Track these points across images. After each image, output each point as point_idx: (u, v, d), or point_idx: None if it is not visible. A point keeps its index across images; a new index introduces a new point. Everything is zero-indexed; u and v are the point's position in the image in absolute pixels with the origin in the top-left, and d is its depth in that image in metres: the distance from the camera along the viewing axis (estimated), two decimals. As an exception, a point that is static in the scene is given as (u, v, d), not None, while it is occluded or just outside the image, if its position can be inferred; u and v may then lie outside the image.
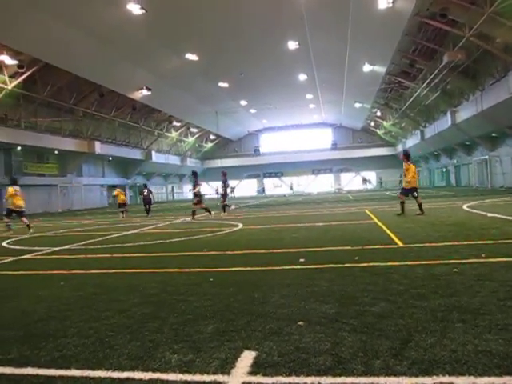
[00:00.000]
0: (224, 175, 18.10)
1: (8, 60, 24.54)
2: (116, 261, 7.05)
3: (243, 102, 43.79)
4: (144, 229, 12.99)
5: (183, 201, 49.18)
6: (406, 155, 12.74)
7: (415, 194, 12.28)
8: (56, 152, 35.32)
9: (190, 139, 57.27)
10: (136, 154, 46.01)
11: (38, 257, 8.02)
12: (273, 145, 65.78)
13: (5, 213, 14.40)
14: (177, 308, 4.01)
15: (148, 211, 20.13)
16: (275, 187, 65.19)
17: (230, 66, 30.83)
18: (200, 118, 46.93)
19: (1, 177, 30.32)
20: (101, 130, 39.55)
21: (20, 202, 13.83)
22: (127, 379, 2.54)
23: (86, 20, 21.10)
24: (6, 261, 7.67)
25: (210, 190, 57.51)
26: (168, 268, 6.07)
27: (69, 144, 35.11)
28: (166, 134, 50.81)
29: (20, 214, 13.81)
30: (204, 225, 13.26)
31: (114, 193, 22.22)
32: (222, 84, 35.84)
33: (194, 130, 54.69)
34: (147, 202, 20.44)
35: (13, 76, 26.51)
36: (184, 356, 2.83)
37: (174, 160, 55.27)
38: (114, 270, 6.11)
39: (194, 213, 16.01)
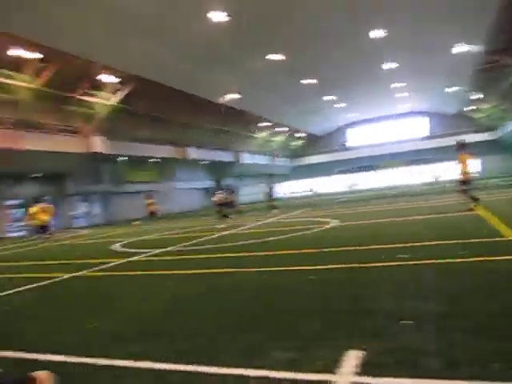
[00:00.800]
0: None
1: (110, 79, 26.65)
2: (217, 260, 7.31)
3: (330, 97, 43.23)
4: (238, 229, 13.33)
5: (275, 200, 49.67)
6: (460, 145, 11.78)
7: (464, 186, 11.36)
8: (155, 160, 37.66)
9: (278, 138, 57.75)
10: (227, 157, 47.43)
11: (144, 258, 8.59)
12: (362, 138, 64.00)
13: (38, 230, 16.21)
14: (280, 307, 4.06)
15: (225, 214, 18.97)
16: (366, 181, 63.32)
17: (316, 61, 30.60)
18: (287, 116, 47.19)
19: (108, 185, 33.04)
20: (193, 136, 41.34)
21: (45, 216, 15.33)
22: (237, 376, 2.62)
23: (175, 34, 22.24)
24: (117, 262, 8.33)
25: (299, 188, 57.53)
26: (267, 267, 6.16)
27: (165, 152, 37.24)
28: (255, 135, 51.76)
29: (44, 228, 15.01)
30: (296, 223, 13.28)
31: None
32: (308, 81, 35.68)
33: (281, 128, 55.08)
34: (224, 204, 19.53)
35: (115, 92, 28.72)
36: (291, 354, 2.86)
37: (263, 160, 56.10)
38: (215, 270, 6.35)
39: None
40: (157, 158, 37.26)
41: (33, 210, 16.39)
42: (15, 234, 25.21)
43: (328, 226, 11.08)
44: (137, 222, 24.83)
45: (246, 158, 50.17)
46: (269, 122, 49.76)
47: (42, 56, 21.74)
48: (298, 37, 25.46)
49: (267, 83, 33.89)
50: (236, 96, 35.04)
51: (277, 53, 27.78)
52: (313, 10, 21.67)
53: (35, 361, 3.25)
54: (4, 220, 23.70)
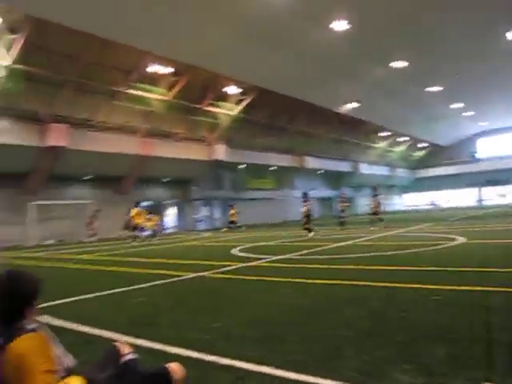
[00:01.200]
0: (305, 195, 17.96)
1: (233, 90, 28.03)
2: (333, 271, 7.20)
3: (458, 105, 40.25)
4: (356, 241, 13.00)
5: (393, 212, 47.64)
6: None
7: None
8: (273, 168, 38.58)
9: (399, 148, 55.33)
10: (344, 167, 46.75)
11: (263, 264, 8.79)
12: (493, 149, 58.32)
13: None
14: (401, 325, 3.85)
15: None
16: (499, 196, 57.47)
17: (443, 67, 28.76)
18: (409, 125, 44.99)
19: (229, 191, 34.68)
20: (311, 145, 41.51)
21: (140, 220, 18.54)
22: (358, 393, 2.53)
23: (298, 45, 22.60)
24: (238, 266, 8.65)
25: (420, 201, 54.54)
26: (386, 282, 5.90)
27: (283, 160, 37.97)
28: (374, 144, 50.27)
29: (141, 229, 18.60)
30: (417, 238, 12.54)
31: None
32: (433, 88, 33.69)
33: (402, 138, 52.71)
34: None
35: (237, 103, 30.12)
36: (415, 378, 2.68)
37: (382, 171, 54.20)
38: (332, 281, 6.25)
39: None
40: (275, 167, 38.10)
41: (133, 211, 19.43)
42: (144, 234, 27.55)
43: (453, 244, 10.29)
44: (242, 229, 25.64)
45: (365, 169, 48.91)
46: (389, 131, 47.96)
47: (173, 70, 23.62)
48: (424, 41, 24.17)
49: (388, 91, 32.72)
50: (355, 105, 34.45)
51: (400, 60, 26.71)
52: (441, 9, 20.36)
53: (164, 352, 3.48)
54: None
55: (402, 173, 59.00)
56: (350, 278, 6.34)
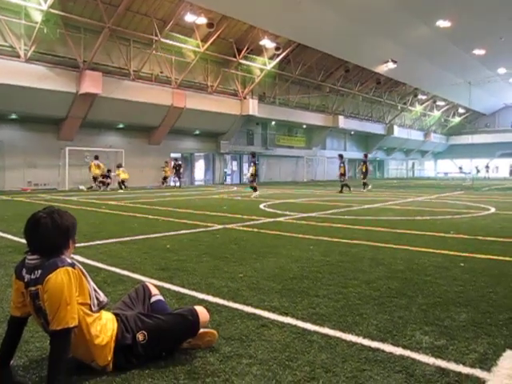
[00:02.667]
0: (341, 157, 20.24)
1: (268, 44, 27.34)
2: (359, 232, 7.22)
3: (502, 70, 38.24)
4: (385, 204, 12.90)
5: (424, 178, 46.80)
6: None
7: None
8: (304, 126, 38.07)
9: (436, 113, 53.48)
10: (378, 129, 45.69)
11: (290, 221, 8.87)
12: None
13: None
14: (424, 288, 3.87)
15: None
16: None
17: (488, 29, 27.15)
18: (448, 90, 43.12)
19: (259, 147, 34.64)
20: (345, 104, 40.58)
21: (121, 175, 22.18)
22: (377, 349, 2.59)
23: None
24: (264, 221, 8.77)
25: (454, 168, 53.12)
26: (412, 246, 5.89)
27: (315, 119, 37.34)
28: (410, 107, 48.69)
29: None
30: (447, 205, 12.34)
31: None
32: (476, 51, 32.00)
33: (440, 103, 50.78)
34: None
35: (271, 58, 29.45)
36: (436, 340, 2.72)
37: (416, 135, 52.77)
38: (357, 241, 6.27)
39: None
40: (306, 125, 37.58)
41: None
42: (172, 184, 28.04)
43: (484, 213, 10.09)
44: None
45: (399, 132, 47.64)
46: (426, 94, 46.23)
47: (209, 21, 23.11)
48: (469, 1, 22.77)
49: (429, 52, 31.23)
50: (392, 65, 33.07)
51: (443, 19, 25.31)
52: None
53: (190, 297, 3.62)
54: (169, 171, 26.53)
55: (436, 138, 57.33)
56: (376, 240, 6.35)
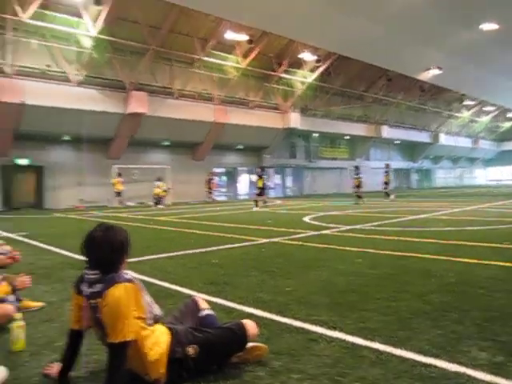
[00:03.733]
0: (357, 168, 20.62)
1: (308, 56, 27.43)
2: (407, 244, 7.04)
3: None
4: (432, 214, 12.53)
5: (474, 186, 45.01)
6: None
7: None
8: (347, 137, 37.72)
9: (484, 119, 51.55)
10: (423, 137, 44.55)
11: (335, 233, 8.78)
12: None
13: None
14: (479, 302, 3.73)
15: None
16: None
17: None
18: (497, 94, 41.44)
19: (301, 160, 34.60)
20: (388, 114, 39.90)
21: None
22: (430, 365, 2.52)
23: (374, 9, 21.42)
24: (309, 234, 8.73)
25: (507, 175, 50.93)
26: (464, 257, 5.68)
27: (358, 129, 36.92)
28: (456, 114, 47.23)
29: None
30: (499, 215, 11.82)
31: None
32: (528, 52, 30.69)
33: (488, 108, 48.92)
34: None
35: (312, 70, 29.50)
36: (493, 356, 2.61)
37: (464, 142, 51.00)
38: (406, 254, 6.12)
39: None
40: (349, 135, 37.22)
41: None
42: (218, 199, 28.43)
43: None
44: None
45: (445, 140, 46.21)
46: (473, 100, 44.68)
47: (249, 38, 23.52)
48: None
49: (475, 56, 30.21)
50: (436, 72, 32.26)
51: (490, 21, 24.47)
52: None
53: (238, 311, 3.66)
54: (213, 185, 26.86)
55: (485, 145, 55.19)
56: (425, 252, 6.18)
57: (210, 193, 26.34)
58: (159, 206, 21.21)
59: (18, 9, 17.76)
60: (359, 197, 19.39)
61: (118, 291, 2.24)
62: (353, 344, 2.88)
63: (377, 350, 2.76)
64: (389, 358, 2.64)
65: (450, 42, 27.53)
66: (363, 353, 2.73)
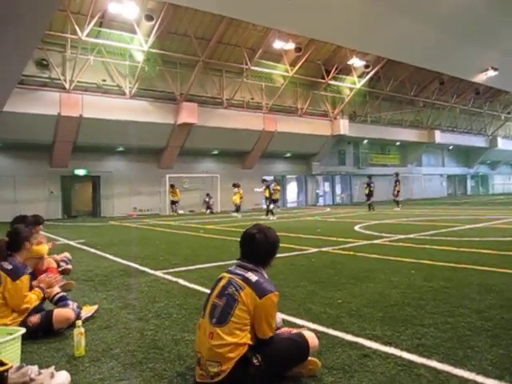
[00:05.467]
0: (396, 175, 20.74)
1: (357, 62, 27.07)
2: (464, 255, 6.75)
3: None
4: (491, 223, 11.94)
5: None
6: None
7: None
8: (397, 143, 36.77)
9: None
10: (479, 142, 42.64)
11: (387, 243, 8.57)
12: None
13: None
14: (545, 320, 3.52)
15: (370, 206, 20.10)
16: None
17: None
18: (562, 94, 39.24)
19: (351, 167, 34.09)
20: (441, 118, 38.57)
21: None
22: (491, 387, 2.40)
23: (424, 10, 20.83)
24: (361, 243, 8.57)
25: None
26: (527, 271, 5.38)
27: (409, 135, 35.87)
28: (515, 117, 44.92)
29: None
30: None
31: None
32: None
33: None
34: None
35: (360, 76, 29.08)
36: (562, 379, 2.45)
37: (524, 146, 48.35)
38: (462, 265, 5.88)
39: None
40: (400, 141, 36.26)
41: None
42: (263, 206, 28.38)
43: None
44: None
45: (503, 144, 44.01)
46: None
47: (296, 46, 23.55)
48: None
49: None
50: (492, 73, 30.90)
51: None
52: None
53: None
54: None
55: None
56: (484, 264, 5.90)
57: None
58: (234, 214, 20.14)
59: (76, 28, 18.72)
60: (371, 205, 20.05)
61: (272, 299, 2.56)
62: (409, 361, 2.79)
63: (434, 369, 2.66)
64: (448, 377, 2.55)
65: (508, 42, 26.29)
66: (420, 371, 2.64)
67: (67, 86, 20.15)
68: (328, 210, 23.56)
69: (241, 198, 20.18)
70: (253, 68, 24.41)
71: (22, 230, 3.93)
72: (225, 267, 6.26)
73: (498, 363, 2.70)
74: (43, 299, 3.81)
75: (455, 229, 10.78)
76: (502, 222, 12.16)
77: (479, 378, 2.51)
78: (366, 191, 20.73)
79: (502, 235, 9.09)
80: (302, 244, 8.57)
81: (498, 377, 2.51)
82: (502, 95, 39.20)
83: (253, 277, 2.59)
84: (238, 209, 20.28)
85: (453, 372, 2.61)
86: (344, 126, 29.88)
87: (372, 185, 20.76)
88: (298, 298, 4.45)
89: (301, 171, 31.89)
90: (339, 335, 3.31)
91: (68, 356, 3.09)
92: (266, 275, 2.72)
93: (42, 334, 3.49)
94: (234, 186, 20.38)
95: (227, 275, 2.68)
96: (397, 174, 21.46)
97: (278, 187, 23.49)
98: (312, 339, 2.65)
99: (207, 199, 25.18)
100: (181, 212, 23.95)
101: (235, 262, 2.78)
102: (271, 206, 18.62)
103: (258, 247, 2.71)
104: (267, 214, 18.11)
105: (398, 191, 21.03)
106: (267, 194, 18.69)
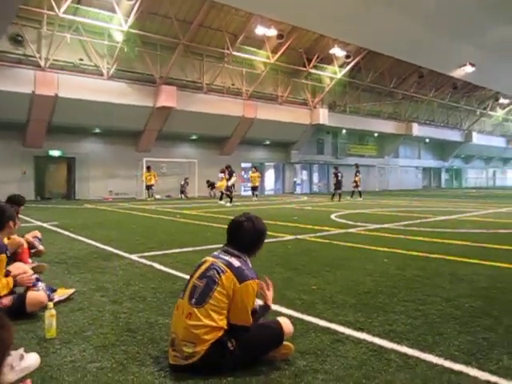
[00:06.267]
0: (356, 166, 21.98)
1: (338, 52, 27.09)
2: (436, 246, 6.90)
3: None
4: (463, 215, 12.24)
5: (507, 188, 43.77)
6: None
7: None
8: (375, 134, 37.14)
9: (520, 117, 49.88)
10: (455, 136, 43.45)
11: (362, 232, 8.69)
12: None
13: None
14: (511, 308, 3.63)
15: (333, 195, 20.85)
16: None
17: None
18: (535, 92, 40.17)
19: (329, 156, 34.32)
20: (419, 111, 39.08)
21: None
22: (459, 372, 2.47)
23: (408, 3, 20.92)
24: (336, 232, 8.66)
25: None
26: (496, 261, 5.54)
27: (387, 126, 36.27)
28: (490, 112, 45.83)
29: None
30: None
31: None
32: None
33: (525, 106, 47.30)
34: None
35: (341, 66, 29.14)
36: (526, 366, 2.54)
37: (497, 142, 49.46)
38: (435, 255, 6.01)
39: None
40: (378, 133, 36.63)
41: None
42: (244, 193, 28.51)
43: None
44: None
45: (478, 139, 44.95)
46: (508, 98, 43.24)
47: (278, 33, 23.38)
48: None
49: (511, 53, 29.24)
50: (470, 69, 31.36)
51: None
52: None
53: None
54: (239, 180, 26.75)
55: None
56: (455, 254, 6.05)
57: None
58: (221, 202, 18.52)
59: (53, 4, 18.12)
60: (337, 195, 20.54)
61: (251, 286, 2.58)
62: (380, 346, 2.85)
63: (404, 354, 2.72)
64: (417, 362, 2.61)
65: (486, 38, 26.61)
66: (390, 356, 2.69)
67: (42, 63, 19.57)
68: (305, 198, 23.72)
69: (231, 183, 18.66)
70: (234, 53, 24.16)
71: (6, 208, 3.84)
72: (201, 252, 6.28)
73: (465, 349, 2.78)
74: (11, 291, 3.68)
75: (429, 220, 11.01)
76: (474, 215, 12.47)
77: (447, 363, 2.57)
78: (334, 181, 21.24)
79: (473, 227, 9.33)
80: (278, 231, 8.60)
81: (465, 362, 2.59)
82: (479, 91, 39.87)
83: (236, 262, 2.61)
84: (226, 195, 18.45)
85: (422, 357, 2.67)
86: (323, 116, 29.98)
87: (339, 174, 21.04)
88: (273, 285, 4.46)
89: (279, 159, 31.95)
90: (313, 321, 3.35)
91: (38, 338, 3.04)
92: (249, 263, 2.74)
93: (13, 316, 3.42)
94: (223, 171, 19.02)
95: (210, 259, 2.68)
96: (357, 166, 22.52)
97: (256, 174, 23.29)
98: (287, 326, 2.67)
99: (183, 182, 25.06)
100: (158, 197, 23.74)
101: (221, 247, 2.79)
102: (235, 193, 18.44)
103: (243, 235, 2.74)
104: (221, 199, 18.06)
105: (358, 181, 21.90)
106: (224, 182, 18.25)
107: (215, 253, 2.76)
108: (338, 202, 19.11)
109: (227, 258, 2.64)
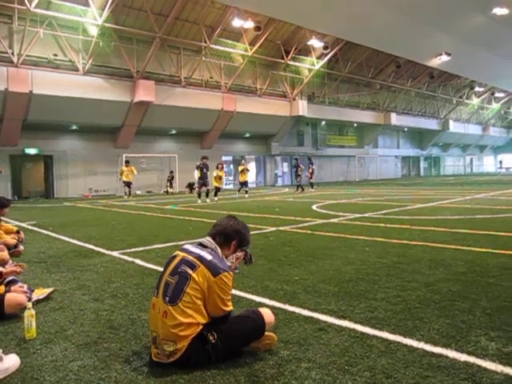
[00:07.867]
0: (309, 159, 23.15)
1: (316, 43, 27.11)
2: (415, 233, 7.01)
3: None
4: (441, 202, 12.45)
5: (484, 174, 44.67)
6: None
7: None
8: (355, 125, 37.43)
9: (494, 106, 50.84)
10: (432, 125, 44.11)
11: (343, 222, 8.77)
12: None
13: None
14: (488, 291, 3.71)
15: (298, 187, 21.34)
16: None
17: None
18: (508, 80, 40.80)
19: (309, 147, 34.46)
20: (397, 101, 39.50)
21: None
22: (439, 355, 2.52)
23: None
24: (317, 222, 8.72)
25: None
26: (473, 246, 5.66)
27: (366, 117, 36.60)
28: (466, 101, 46.60)
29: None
30: (509, 203, 11.73)
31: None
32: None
33: (499, 94, 48.14)
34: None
35: (319, 57, 29.20)
36: (503, 346, 2.60)
37: (474, 130, 50.43)
38: (414, 242, 6.11)
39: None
40: (357, 123, 36.91)
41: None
42: (225, 187, 28.43)
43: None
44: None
45: (455, 127, 45.69)
46: (483, 87, 44.02)
47: (256, 25, 23.27)
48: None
49: (486, 42, 29.66)
50: (446, 58, 31.77)
51: (501, 6, 23.96)
52: None
53: (248, 300, 3.67)
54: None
55: (496, 132, 54.55)
56: (434, 241, 6.16)
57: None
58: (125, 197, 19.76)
59: (24, -3, 17.68)
60: (300, 186, 21.25)
61: (225, 279, 2.54)
62: (362, 333, 2.88)
63: (386, 340, 2.76)
64: (398, 347, 2.65)
65: (461, 28, 27.02)
66: (372, 342, 2.73)
67: (15, 60, 19.10)
68: (286, 190, 23.80)
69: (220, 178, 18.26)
70: (212, 46, 23.97)
71: None
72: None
73: (445, 332, 2.84)
74: None
75: (408, 208, 11.17)
76: (451, 202, 12.70)
77: (427, 347, 2.62)
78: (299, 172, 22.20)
79: (451, 214, 9.50)
80: (260, 223, 8.63)
81: (444, 345, 2.64)
82: (455, 79, 40.48)
83: (207, 256, 2.58)
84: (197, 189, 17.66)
85: (403, 342, 2.72)
86: (303, 107, 30.06)
87: (300, 167, 22.29)
88: (255, 276, 4.48)
89: (260, 151, 31.95)
90: (296, 310, 3.37)
91: (18, 339, 2.99)
92: (223, 257, 2.72)
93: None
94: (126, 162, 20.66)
95: (181, 253, 2.66)
96: (309, 158, 23.84)
97: (243, 167, 21.51)
98: (268, 316, 2.68)
99: (169, 177, 24.79)
100: (138, 193, 23.51)
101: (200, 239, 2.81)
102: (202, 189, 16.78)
103: (221, 228, 2.81)
104: (215, 195, 17.18)
105: (312, 173, 22.90)
106: (199, 175, 16.76)
107: (185, 246, 2.75)
108: (300, 194, 19.09)
109: (199, 251, 2.63)
